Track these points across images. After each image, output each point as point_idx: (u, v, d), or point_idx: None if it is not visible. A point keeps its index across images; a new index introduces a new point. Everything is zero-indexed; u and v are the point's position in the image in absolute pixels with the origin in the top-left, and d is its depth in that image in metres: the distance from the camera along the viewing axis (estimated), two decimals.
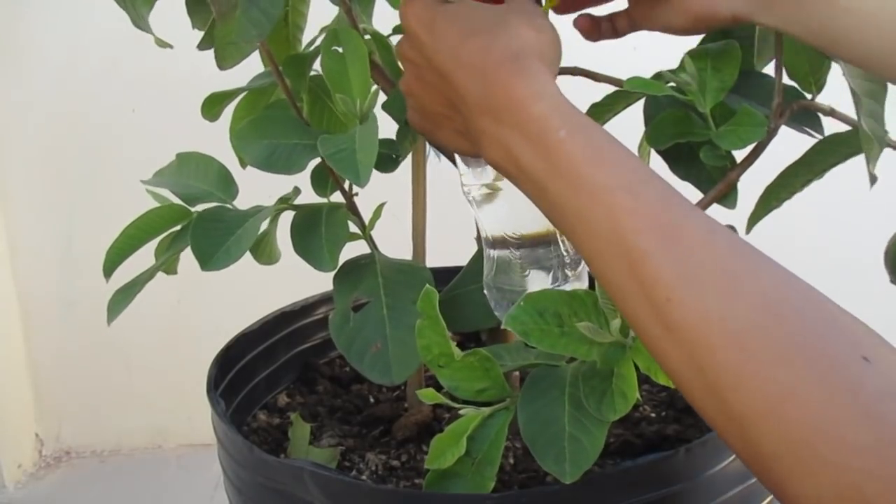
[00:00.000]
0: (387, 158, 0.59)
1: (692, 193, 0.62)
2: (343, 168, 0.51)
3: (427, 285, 0.50)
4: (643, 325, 0.36)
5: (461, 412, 0.52)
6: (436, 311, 0.50)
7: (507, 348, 0.56)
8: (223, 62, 0.50)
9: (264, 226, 0.65)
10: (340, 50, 0.57)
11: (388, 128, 0.59)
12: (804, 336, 0.31)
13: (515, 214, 0.54)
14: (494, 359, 0.52)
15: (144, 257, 0.63)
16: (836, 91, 0.57)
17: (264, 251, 0.69)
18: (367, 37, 0.65)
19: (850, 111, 0.55)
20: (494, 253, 0.55)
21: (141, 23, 0.58)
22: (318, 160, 0.59)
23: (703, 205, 0.59)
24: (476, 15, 0.46)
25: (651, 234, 0.36)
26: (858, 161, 0.58)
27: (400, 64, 0.51)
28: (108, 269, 0.61)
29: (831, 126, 0.59)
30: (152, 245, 0.64)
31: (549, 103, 0.41)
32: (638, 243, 0.36)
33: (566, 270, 0.55)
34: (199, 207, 0.62)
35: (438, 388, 0.53)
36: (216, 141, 0.68)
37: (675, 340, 0.34)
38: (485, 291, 0.58)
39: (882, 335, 0.32)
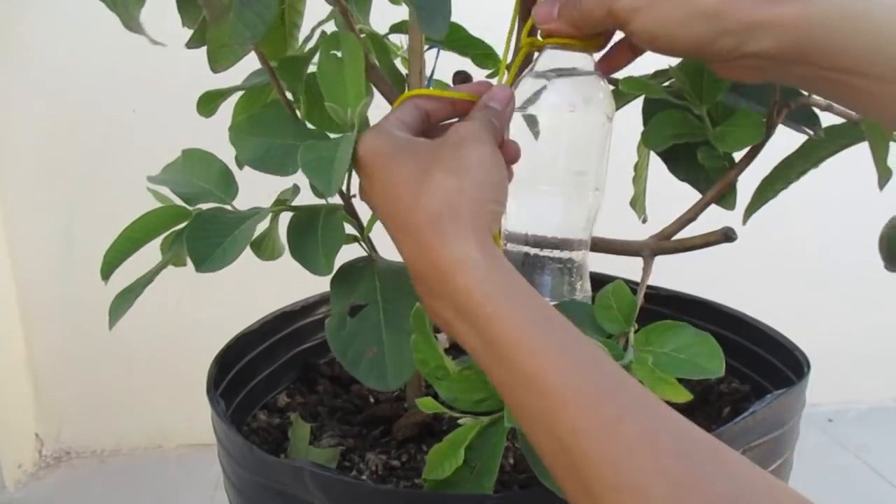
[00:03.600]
0: None
1: (691, 193, 0.62)
2: (316, 177, 0.50)
3: (418, 304, 0.50)
4: None
5: (460, 421, 0.52)
6: (427, 328, 0.50)
7: None
8: (216, 65, 0.49)
9: (264, 225, 0.65)
10: (339, 54, 0.57)
11: None
12: None
13: (543, 216, 0.53)
14: None
15: (144, 258, 0.63)
16: None
17: (266, 248, 0.68)
18: (363, 36, 0.65)
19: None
20: (508, 246, 0.55)
21: (132, 24, 0.57)
22: None
23: (702, 205, 0.59)
24: (407, 163, 0.44)
25: (590, 434, 0.33)
26: (859, 161, 0.58)
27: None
28: (106, 272, 0.61)
29: (826, 119, 0.59)
30: (151, 246, 0.64)
31: (472, 274, 0.39)
32: (577, 444, 0.33)
33: (575, 283, 0.54)
34: (199, 207, 0.62)
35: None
36: (216, 141, 0.68)
37: None
38: None
39: None
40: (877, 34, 0.40)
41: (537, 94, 0.51)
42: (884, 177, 0.55)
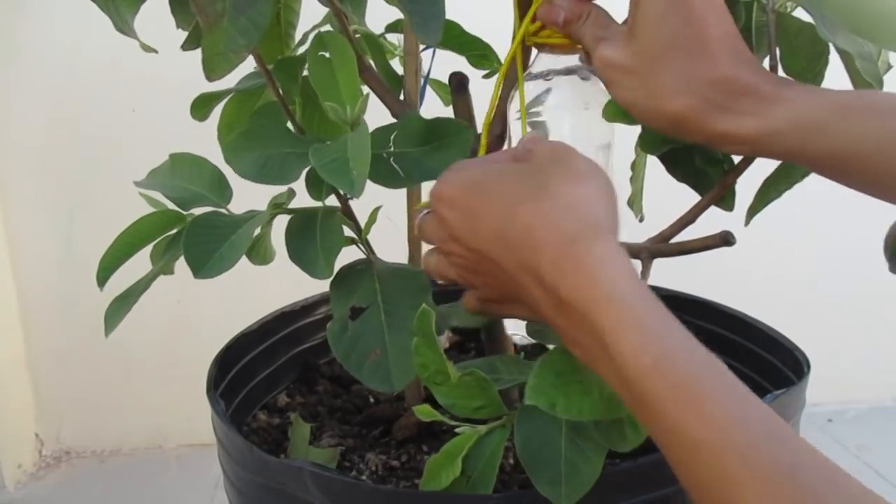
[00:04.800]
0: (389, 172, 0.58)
1: (689, 195, 0.62)
2: (336, 179, 0.49)
3: (424, 305, 0.49)
4: None
5: (457, 430, 0.52)
6: (431, 330, 0.49)
7: (505, 361, 0.55)
8: (211, 73, 0.47)
9: (258, 229, 0.65)
10: (327, 55, 0.56)
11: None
12: None
13: None
14: (491, 373, 0.52)
15: (141, 259, 0.63)
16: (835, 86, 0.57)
17: (259, 252, 0.68)
18: (358, 36, 0.65)
19: None
20: None
21: (124, 27, 0.57)
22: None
23: (701, 207, 0.59)
24: (511, 181, 0.40)
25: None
26: None
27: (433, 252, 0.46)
28: (102, 278, 0.60)
29: None
30: (148, 250, 0.63)
31: (626, 311, 0.34)
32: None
33: None
34: (193, 211, 0.62)
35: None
36: (216, 141, 0.68)
37: None
38: None
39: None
40: (837, 146, 0.41)
41: (539, 97, 0.51)
42: None
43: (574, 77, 0.51)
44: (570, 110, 0.51)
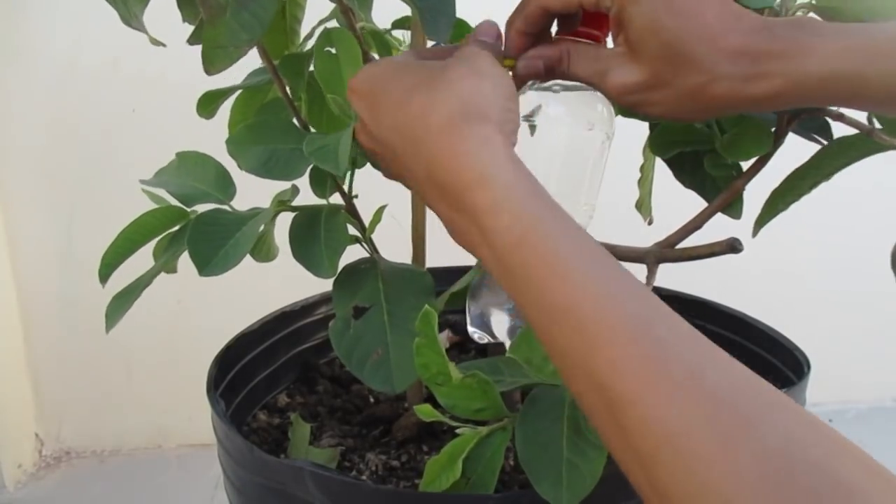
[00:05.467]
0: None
1: (697, 200, 0.61)
2: (322, 159, 0.50)
3: (426, 306, 0.49)
4: (628, 468, 0.31)
5: (458, 431, 0.52)
6: (434, 331, 0.49)
7: (508, 363, 0.55)
8: (211, 67, 0.47)
9: (261, 226, 0.65)
10: (334, 51, 0.56)
11: None
12: (809, 497, 0.26)
13: None
14: (493, 375, 0.52)
15: (142, 259, 0.63)
16: None
17: (262, 249, 0.68)
18: (364, 32, 0.64)
19: (857, 115, 0.55)
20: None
21: (133, 21, 0.56)
22: None
23: (708, 213, 0.58)
24: (413, 74, 0.41)
25: (629, 374, 0.30)
26: (860, 162, 0.57)
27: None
28: (105, 274, 0.60)
29: (838, 130, 0.58)
30: (150, 247, 0.63)
31: (498, 191, 0.35)
32: (615, 385, 0.30)
33: None
34: (197, 208, 0.62)
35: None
36: (216, 141, 0.68)
37: (659, 496, 0.29)
38: (468, 302, 0.57)
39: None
40: (874, 86, 0.41)
41: (539, 107, 0.50)
42: None
43: (580, 89, 0.50)
44: (569, 126, 0.51)
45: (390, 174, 0.46)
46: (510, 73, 0.47)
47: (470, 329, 0.56)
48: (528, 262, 0.34)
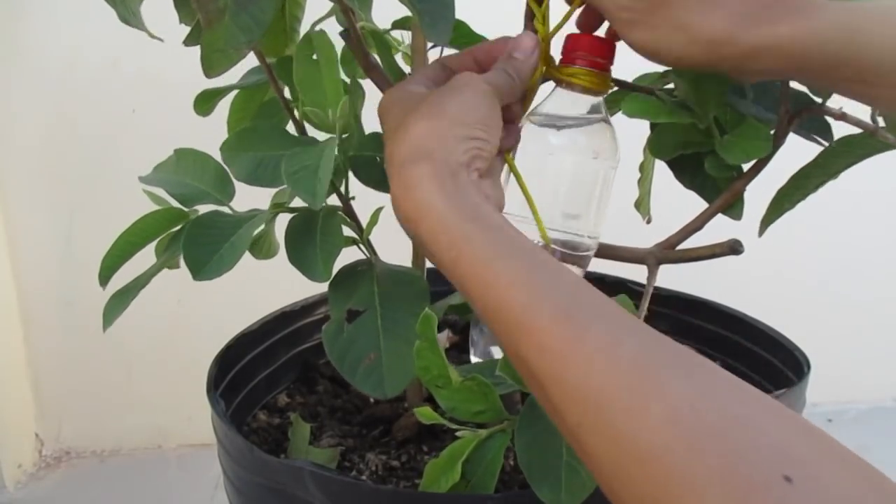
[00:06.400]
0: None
1: (697, 200, 0.61)
2: (298, 187, 0.50)
3: (427, 309, 0.49)
4: (572, 447, 0.34)
5: (458, 434, 0.52)
6: (434, 334, 0.49)
7: (508, 366, 0.55)
8: (210, 70, 0.47)
9: (261, 226, 0.65)
10: (315, 57, 0.56)
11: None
12: (719, 459, 0.27)
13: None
14: (494, 379, 0.52)
15: (142, 259, 0.63)
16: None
17: (262, 247, 0.68)
18: (364, 32, 0.64)
19: (859, 113, 0.54)
20: None
21: (131, 18, 0.56)
22: None
23: (709, 214, 0.58)
24: (402, 107, 0.45)
25: (550, 353, 0.33)
26: (861, 164, 0.57)
27: None
28: (105, 277, 0.60)
29: (841, 129, 0.58)
30: (150, 247, 0.63)
31: (433, 221, 0.40)
32: (540, 365, 0.34)
33: None
34: (197, 208, 0.62)
35: None
36: (216, 141, 0.68)
37: (593, 467, 0.32)
38: (472, 331, 0.57)
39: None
40: (876, 48, 0.41)
41: (545, 132, 0.50)
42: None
43: (589, 128, 0.50)
44: (574, 154, 0.51)
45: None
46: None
47: (473, 359, 0.56)
48: (464, 275, 0.38)
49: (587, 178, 0.51)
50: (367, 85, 0.64)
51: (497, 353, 0.56)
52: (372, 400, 0.78)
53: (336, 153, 0.50)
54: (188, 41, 0.62)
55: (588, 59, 0.49)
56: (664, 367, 0.31)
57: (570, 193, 0.51)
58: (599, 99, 0.50)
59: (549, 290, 0.36)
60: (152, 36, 0.59)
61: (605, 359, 0.32)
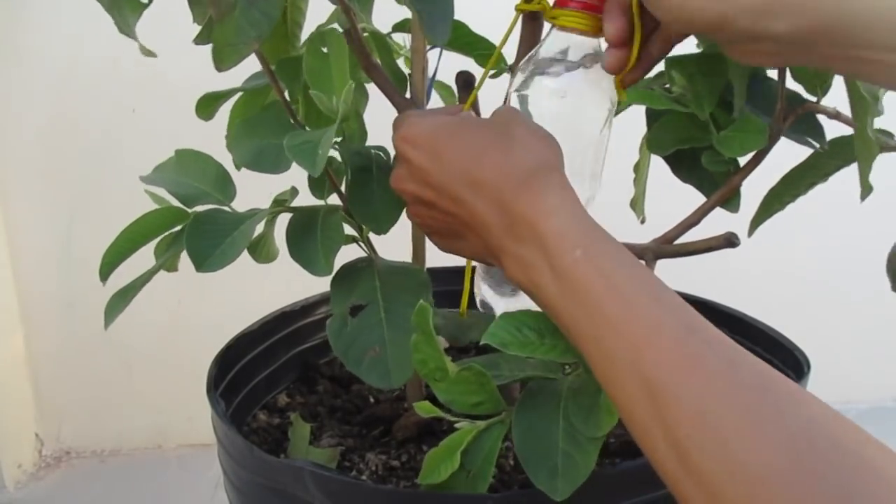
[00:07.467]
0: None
1: (692, 197, 0.62)
2: (299, 157, 0.51)
3: (421, 301, 0.50)
4: (662, 460, 0.34)
5: (457, 425, 0.52)
6: (429, 326, 0.49)
7: (506, 357, 0.56)
8: (221, 64, 0.49)
9: (261, 227, 0.65)
10: (325, 50, 0.57)
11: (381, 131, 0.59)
12: (831, 485, 0.29)
13: None
14: (492, 369, 0.52)
15: (142, 258, 0.63)
16: (839, 96, 0.56)
17: (262, 251, 0.69)
18: (365, 35, 0.65)
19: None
20: None
21: (127, 29, 0.58)
22: None
23: (706, 209, 0.59)
24: (477, 132, 0.46)
25: (672, 368, 0.34)
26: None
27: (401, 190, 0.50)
28: (105, 273, 0.61)
29: (833, 130, 0.59)
30: (150, 247, 0.64)
31: (567, 219, 0.41)
32: (659, 377, 0.34)
33: None
34: (197, 208, 0.62)
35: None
36: (216, 141, 0.68)
37: (695, 483, 0.32)
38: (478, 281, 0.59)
39: None
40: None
41: (541, 78, 0.51)
42: (866, 191, 0.56)
43: (581, 66, 0.51)
44: (571, 93, 0.51)
45: (435, 216, 0.49)
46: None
47: (487, 300, 0.59)
48: (588, 276, 0.39)
49: (584, 124, 0.52)
50: (369, 87, 0.65)
51: (499, 306, 0.57)
52: (372, 400, 0.79)
53: (335, 138, 0.51)
54: (199, 39, 0.62)
55: (581, 1, 0.50)
56: (779, 390, 0.33)
57: (571, 135, 0.51)
58: (596, 43, 0.51)
59: (671, 310, 0.37)
60: (145, 51, 0.59)
61: (724, 381, 0.33)
